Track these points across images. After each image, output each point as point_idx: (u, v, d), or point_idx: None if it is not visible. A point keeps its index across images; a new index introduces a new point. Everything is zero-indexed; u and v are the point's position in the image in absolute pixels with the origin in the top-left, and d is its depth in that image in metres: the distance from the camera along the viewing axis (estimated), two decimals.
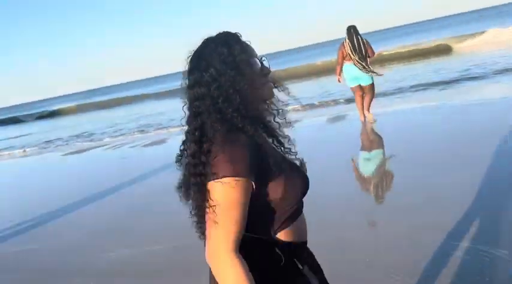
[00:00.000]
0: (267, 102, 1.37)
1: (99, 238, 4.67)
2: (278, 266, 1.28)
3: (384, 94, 11.10)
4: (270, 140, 1.38)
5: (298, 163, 1.40)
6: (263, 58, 1.37)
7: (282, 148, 1.40)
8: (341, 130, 8.27)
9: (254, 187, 1.21)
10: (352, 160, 6.11)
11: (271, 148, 1.32)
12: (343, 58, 8.19)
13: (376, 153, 6.44)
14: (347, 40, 8.05)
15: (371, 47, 8.12)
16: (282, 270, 1.28)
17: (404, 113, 8.83)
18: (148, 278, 3.52)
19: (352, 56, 8.00)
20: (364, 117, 8.23)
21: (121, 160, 9.36)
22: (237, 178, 1.17)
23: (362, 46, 7.98)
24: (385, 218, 3.86)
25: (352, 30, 8.06)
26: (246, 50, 1.30)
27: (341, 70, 8.34)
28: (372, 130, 7.85)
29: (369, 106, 8.39)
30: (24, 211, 6.42)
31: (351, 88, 8.37)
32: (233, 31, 1.38)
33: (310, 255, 1.42)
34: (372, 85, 8.25)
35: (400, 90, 11.58)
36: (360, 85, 8.16)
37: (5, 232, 5.47)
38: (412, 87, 11.70)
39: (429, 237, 3.27)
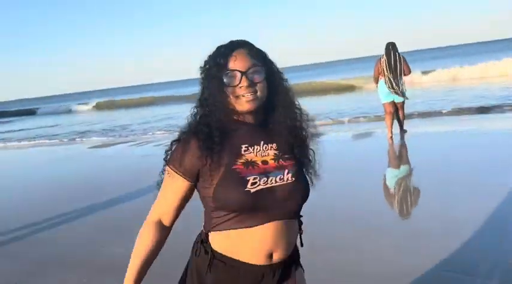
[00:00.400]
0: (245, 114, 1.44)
1: (106, 234, 4.62)
2: (197, 255, 1.47)
3: (416, 115, 10.84)
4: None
5: (273, 179, 1.39)
6: (251, 70, 1.39)
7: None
8: (366, 147, 8.04)
9: (188, 179, 1.42)
10: (366, 178, 5.89)
11: (222, 154, 1.39)
12: (379, 73, 8.24)
13: (398, 174, 6.19)
14: (384, 56, 8.12)
15: (407, 65, 8.16)
16: (196, 259, 1.47)
17: (434, 135, 8.54)
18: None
19: (385, 72, 8.03)
20: (392, 134, 8.15)
21: (142, 158, 9.35)
22: (170, 166, 1.43)
23: (398, 63, 8.01)
24: (395, 242, 3.63)
25: (390, 47, 8.14)
26: (222, 64, 1.40)
27: (377, 84, 8.41)
28: (399, 149, 7.64)
29: (403, 123, 8.41)
30: (39, 201, 6.50)
31: (383, 104, 8.36)
32: (235, 39, 1.47)
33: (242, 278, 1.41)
34: (404, 102, 8.26)
35: (433, 112, 11.26)
36: (393, 102, 8.17)
37: (19, 220, 5.52)
38: (446, 110, 11.34)
39: (438, 267, 3.06)
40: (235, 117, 1.44)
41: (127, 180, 6.93)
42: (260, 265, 1.39)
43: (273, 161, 1.41)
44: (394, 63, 7.99)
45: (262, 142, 1.44)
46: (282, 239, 1.40)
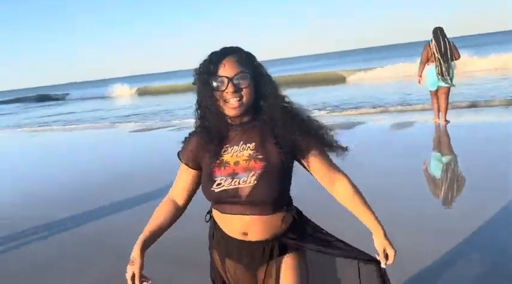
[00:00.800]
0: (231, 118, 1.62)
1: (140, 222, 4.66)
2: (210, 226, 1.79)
3: (462, 104, 10.42)
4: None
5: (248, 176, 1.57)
6: (237, 76, 1.54)
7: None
8: (407, 135, 7.80)
9: (191, 167, 1.72)
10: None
11: (210, 152, 1.65)
12: (428, 59, 8.03)
13: (441, 165, 5.97)
14: (433, 41, 7.93)
15: (457, 50, 7.93)
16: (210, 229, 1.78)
17: (481, 127, 8.18)
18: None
19: (436, 54, 7.82)
20: (439, 118, 8.14)
21: (177, 144, 9.40)
22: (179, 157, 1.75)
23: (448, 49, 7.81)
24: (429, 240, 3.47)
25: (439, 32, 7.95)
26: (212, 70, 1.56)
27: (422, 71, 8.21)
28: (443, 137, 7.43)
29: (446, 112, 8.15)
30: (73, 183, 6.70)
31: (430, 91, 8.23)
32: (229, 44, 1.63)
33: (234, 247, 1.65)
34: (449, 89, 7.99)
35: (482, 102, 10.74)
36: (438, 88, 8.03)
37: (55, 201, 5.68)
38: (496, 100, 10.79)
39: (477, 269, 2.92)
40: (227, 119, 1.63)
41: (161, 166, 6.93)
42: (238, 239, 1.64)
43: (245, 162, 1.60)
44: (444, 48, 7.80)
45: (241, 143, 1.63)
46: (253, 228, 1.60)
